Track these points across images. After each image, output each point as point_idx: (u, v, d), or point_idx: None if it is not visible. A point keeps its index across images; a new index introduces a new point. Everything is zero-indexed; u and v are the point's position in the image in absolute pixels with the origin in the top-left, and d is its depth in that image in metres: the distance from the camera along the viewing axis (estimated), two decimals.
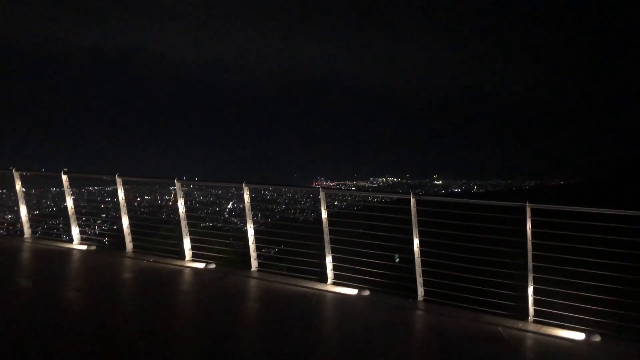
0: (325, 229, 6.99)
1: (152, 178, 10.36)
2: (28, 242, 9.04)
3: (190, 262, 7.89)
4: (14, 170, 9.15)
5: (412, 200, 6.43)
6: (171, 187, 8.26)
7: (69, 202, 8.78)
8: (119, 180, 8.35)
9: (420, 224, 6.46)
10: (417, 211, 6.46)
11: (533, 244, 5.82)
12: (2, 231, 10.90)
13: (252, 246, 7.59)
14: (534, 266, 5.84)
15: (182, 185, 8.11)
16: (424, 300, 6.47)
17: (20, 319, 5.55)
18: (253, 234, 7.59)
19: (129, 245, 8.48)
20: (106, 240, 10.05)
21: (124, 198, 8.42)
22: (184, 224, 8.02)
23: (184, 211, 8.02)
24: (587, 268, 5.53)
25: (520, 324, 5.71)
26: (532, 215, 5.80)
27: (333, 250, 7.04)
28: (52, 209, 11.73)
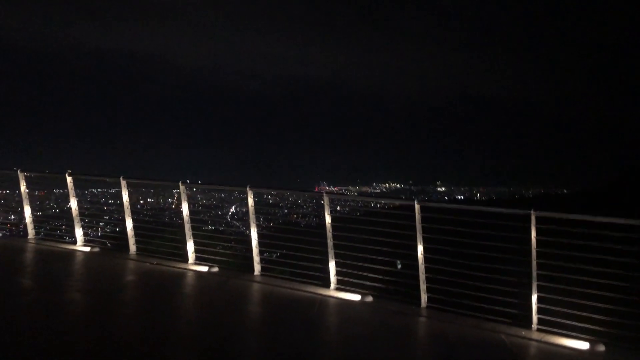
0: (329, 234, 6.98)
1: (157, 181, 10.37)
2: (31, 243, 9.06)
3: (194, 265, 7.89)
4: (18, 171, 9.18)
5: (417, 207, 6.42)
6: (174, 190, 8.28)
7: (73, 204, 8.80)
8: (123, 183, 8.36)
9: (424, 230, 6.45)
10: (421, 217, 6.45)
11: (537, 252, 5.80)
12: (5, 232, 10.90)
13: (255, 250, 7.58)
14: (538, 274, 5.82)
15: (186, 189, 8.12)
16: (427, 306, 6.45)
17: (22, 320, 5.55)
18: (256, 237, 7.59)
19: (133, 247, 8.49)
20: (108, 242, 10.05)
21: (128, 200, 8.44)
22: (187, 226, 8.02)
23: (188, 214, 8.02)
24: (592, 277, 5.51)
25: (524, 332, 5.68)
26: (537, 223, 5.78)
27: (336, 256, 7.03)
28: (56, 210, 11.74)
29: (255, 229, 7.58)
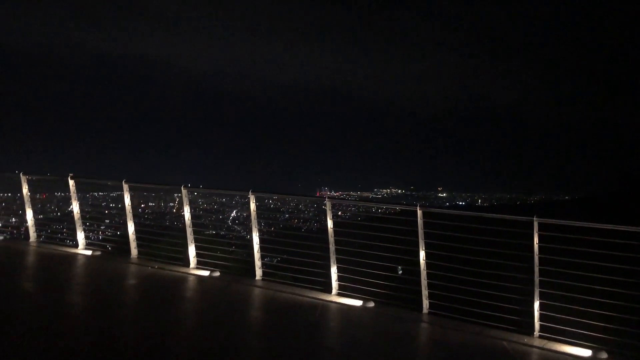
0: (331, 239, 6.97)
1: (159, 185, 10.38)
2: (33, 246, 9.06)
3: (195, 270, 7.88)
4: (20, 174, 9.20)
5: (419, 212, 6.41)
6: (176, 194, 8.28)
7: (75, 207, 8.80)
8: (125, 187, 8.37)
9: (426, 236, 6.44)
10: (424, 223, 6.43)
11: (540, 259, 5.78)
12: (7, 234, 10.91)
13: (256, 255, 7.57)
14: (540, 281, 5.79)
15: (188, 193, 8.12)
16: (429, 312, 6.42)
17: (23, 322, 5.55)
18: (258, 242, 7.58)
19: (134, 251, 8.49)
20: (109, 246, 10.05)
21: (130, 204, 8.44)
22: (189, 231, 8.01)
23: (190, 218, 8.01)
24: (595, 284, 5.48)
25: (526, 339, 5.65)
26: (539, 229, 5.76)
27: (338, 261, 7.01)
28: (57, 213, 11.76)
29: (257, 234, 7.57)
